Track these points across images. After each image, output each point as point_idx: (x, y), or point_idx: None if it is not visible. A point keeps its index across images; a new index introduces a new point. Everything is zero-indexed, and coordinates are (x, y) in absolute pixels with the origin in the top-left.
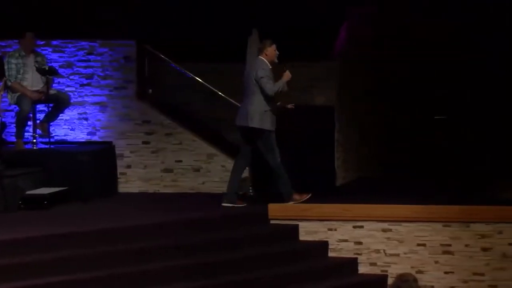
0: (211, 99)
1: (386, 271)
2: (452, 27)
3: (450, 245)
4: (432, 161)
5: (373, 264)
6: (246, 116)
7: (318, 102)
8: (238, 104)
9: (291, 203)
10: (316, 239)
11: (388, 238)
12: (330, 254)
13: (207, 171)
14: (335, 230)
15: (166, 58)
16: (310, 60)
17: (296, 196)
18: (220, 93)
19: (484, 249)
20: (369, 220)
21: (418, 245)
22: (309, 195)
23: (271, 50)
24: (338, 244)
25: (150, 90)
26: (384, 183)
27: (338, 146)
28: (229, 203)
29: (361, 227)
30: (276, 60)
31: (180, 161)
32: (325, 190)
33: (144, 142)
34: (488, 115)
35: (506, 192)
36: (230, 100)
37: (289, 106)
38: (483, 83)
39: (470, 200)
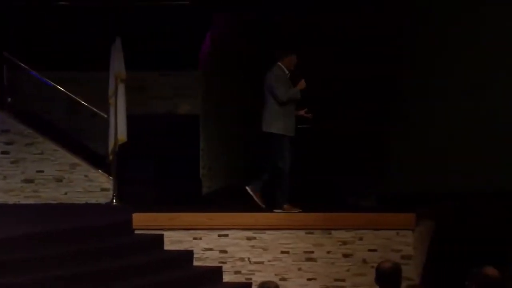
0: (73, 108)
1: (251, 279)
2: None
3: (313, 252)
4: (294, 169)
5: (237, 272)
6: (263, 122)
7: (183, 111)
8: (101, 113)
9: (279, 211)
10: (181, 248)
11: (252, 246)
12: (195, 263)
13: (69, 181)
14: (200, 239)
15: (25, 66)
16: (174, 68)
17: (287, 207)
18: (82, 102)
19: (345, 255)
20: (234, 229)
21: (282, 252)
22: (299, 211)
23: (292, 59)
24: (203, 253)
25: (9, 99)
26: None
27: (203, 155)
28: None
29: (226, 235)
30: (292, 68)
31: (42, 171)
32: (190, 199)
33: (3, 152)
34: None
35: (365, 199)
36: (93, 108)
37: (303, 113)
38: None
39: (331, 208)
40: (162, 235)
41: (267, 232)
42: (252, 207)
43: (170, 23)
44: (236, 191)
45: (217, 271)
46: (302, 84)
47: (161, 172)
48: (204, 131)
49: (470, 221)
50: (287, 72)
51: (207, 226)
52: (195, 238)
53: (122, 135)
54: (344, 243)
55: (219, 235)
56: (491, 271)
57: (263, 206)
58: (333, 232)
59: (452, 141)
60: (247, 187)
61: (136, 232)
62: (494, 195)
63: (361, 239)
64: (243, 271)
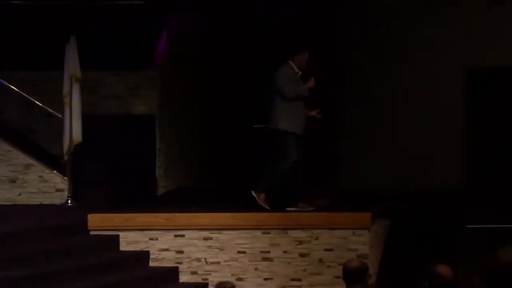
0: (27, 108)
1: (207, 279)
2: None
3: (269, 251)
4: (251, 169)
5: (194, 272)
6: (270, 120)
7: (139, 111)
8: (55, 113)
9: (292, 209)
10: (137, 249)
11: (209, 247)
12: (151, 263)
13: (24, 182)
14: (157, 239)
15: None
16: (130, 68)
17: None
18: (36, 102)
19: (302, 255)
20: (190, 229)
21: (239, 252)
22: (313, 209)
23: (303, 57)
24: (159, 254)
25: None
26: (205, 191)
27: (159, 155)
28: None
29: (183, 236)
30: (304, 67)
31: None
32: (146, 199)
33: None
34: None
35: (319, 199)
36: (47, 109)
37: (315, 113)
38: None
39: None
40: (118, 235)
41: (224, 232)
42: (208, 207)
43: (126, 23)
44: (192, 191)
45: (173, 272)
46: (311, 82)
47: (116, 172)
48: (161, 131)
49: (422, 220)
50: (297, 70)
51: (164, 227)
52: (151, 239)
53: (77, 136)
54: (301, 242)
55: (175, 236)
56: (443, 269)
57: (267, 207)
58: (289, 231)
59: (396, 141)
60: (252, 192)
61: (92, 233)
62: (439, 194)
63: (317, 238)
64: (199, 272)
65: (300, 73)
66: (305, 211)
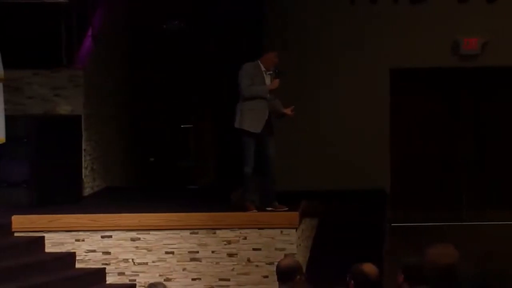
0: None
1: (135, 280)
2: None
3: (197, 252)
4: (178, 169)
5: (121, 273)
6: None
7: (63, 111)
8: None
9: (270, 209)
10: (63, 250)
11: (136, 247)
12: (78, 265)
13: None
14: (83, 240)
15: None
16: (53, 67)
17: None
18: None
19: (230, 255)
20: (117, 230)
21: (167, 253)
22: (286, 209)
23: (269, 57)
24: (86, 255)
25: None
26: (133, 192)
27: (85, 155)
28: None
29: (110, 236)
30: (271, 67)
31: None
32: (72, 200)
33: None
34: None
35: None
36: None
37: (288, 111)
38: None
39: (215, 207)
40: (43, 237)
41: (151, 232)
42: (136, 208)
43: (49, 21)
44: (120, 192)
45: (100, 273)
46: (274, 83)
47: (41, 173)
48: (87, 132)
49: (348, 218)
50: (263, 69)
51: (90, 228)
52: (77, 240)
53: (1, 136)
54: (229, 242)
55: (102, 237)
56: (369, 267)
57: (254, 210)
58: (217, 231)
59: (322, 142)
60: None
61: (16, 234)
62: (366, 193)
63: (245, 238)
64: (127, 273)
65: (270, 72)
66: (281, 211)
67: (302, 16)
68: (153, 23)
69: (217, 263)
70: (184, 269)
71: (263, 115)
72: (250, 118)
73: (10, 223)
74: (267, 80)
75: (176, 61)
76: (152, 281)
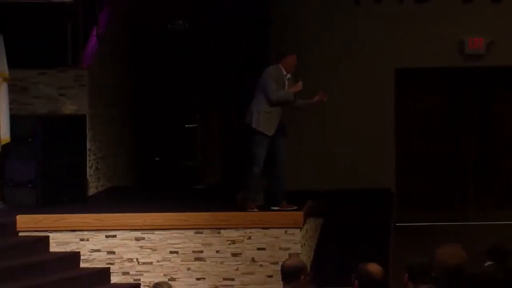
0: None
1: (139, 279)
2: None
3: (202, 251)
4: (183, 169)
5: (126, 273)
6: (248, 114)
7: (68, 111)
8: None
9: (276, 208)
10: (68, 250)
11: (141, 247)
12: (82, 264)
13: None
14: (87, 240)
15: None
16: (58, 67)
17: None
18: None
19: (234, 255)
20: (122, 229)
21: (171, 252)
22: (295, 208)
23: (290, 60)
24: (90, 254)
25: None
26: (137, 191)
27: (90, 155)
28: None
29: (114, 236)
30: (291, 70)
31: None
32: (77, 200)
33: None
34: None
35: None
36: None
37: (316, 100)
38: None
39: (220, 207)
40: (48, 237)
41: (156, 232)
42: (140, 208)
43: (54, 20)
44: (124, 191)
45: (104, 273)
46: (298, 86)
47: (46, 173)
48: (92, 131)
49: (353, 218)
50: (285, 73)
51: (94, 227)
52: (82, 240)
53: (6, 136)
54: (233, 242)
55: (106, 236)
56: (374, 267)
57: (255, 210)
58: (222, 231)
59: (329, 142)
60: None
61: (21, 234)
62: (371, 193)
63: (249, 238)
64: (131, 272)
65: (289, 76)
66: (290, 210)
67: (305, 16)
68: (158, 23)
69: (221, 262)
70: (188, 269)
71: (277, 119)
72: (267, 120)
73: (15, 222)
74: (286, 84)
75: (181, 60)
76: (156, 280)
